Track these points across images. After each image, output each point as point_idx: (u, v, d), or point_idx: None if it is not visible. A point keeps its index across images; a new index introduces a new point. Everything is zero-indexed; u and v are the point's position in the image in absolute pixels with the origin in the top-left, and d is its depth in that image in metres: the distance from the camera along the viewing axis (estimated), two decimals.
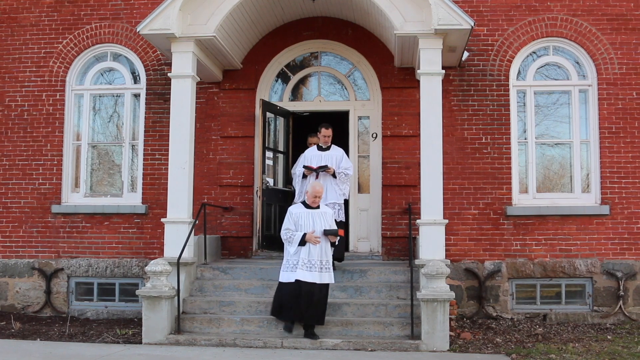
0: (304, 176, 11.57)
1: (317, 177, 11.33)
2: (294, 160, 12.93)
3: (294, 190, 12.06)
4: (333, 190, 11.36)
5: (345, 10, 12.91)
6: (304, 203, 10.43)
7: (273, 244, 12.84)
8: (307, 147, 12.21)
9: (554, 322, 12.15)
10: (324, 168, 11.34)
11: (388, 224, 12.86)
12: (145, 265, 11.23)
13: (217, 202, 13.18)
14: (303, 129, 13.94)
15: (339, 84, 13.62)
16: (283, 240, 10.28)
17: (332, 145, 11.62)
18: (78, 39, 13.64)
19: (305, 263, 10.03)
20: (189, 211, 11.54)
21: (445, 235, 11.14)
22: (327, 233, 10.17)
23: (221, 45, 11.99)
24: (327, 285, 10.20)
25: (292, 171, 12.45)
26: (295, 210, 10.33)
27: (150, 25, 11.43)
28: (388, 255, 12.81)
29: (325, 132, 11.59)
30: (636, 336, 10.98)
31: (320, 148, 11.64)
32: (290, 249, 10.16)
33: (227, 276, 11.65)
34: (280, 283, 10.29)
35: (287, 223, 10.26)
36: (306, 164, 11.52)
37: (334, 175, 11.41)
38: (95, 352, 9.62)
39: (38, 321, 12.41)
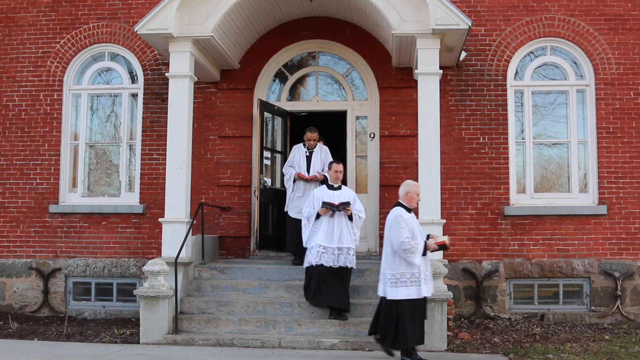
0: (317, 217, 10.83)
1: (332, 215, 10.50)
2: None
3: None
4: (348, 233, 10.56)
5: (343, 10, 12.91)
6: (403, 206, 9.09)
7: (271, 244, 12.86)
8: (304, 145, 12.48)
9: (551, 322, 12.16)
10: (346, 205, 10.56)
11: (326, 163, 12.81)
12: (143, 265, 11.22)
13: (214, 202, 13.17)
14: (301, 128, 13.94)
15: (337, 83, 13.62)
16: (403, 250, 8.69)
17: (342, 186, 10.98)
18: (75, 39, 13.63)
19: (427, 276, 8.98)
20: (186, 211, 11.53)
21: (443, 235, 11.12)
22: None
23: (219, 45, 11.99)
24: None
25: (284, 170, 12.53)
26: (406, 215, 8.95)
27: (148, 25, 11.43)
28: None
29: (337, 168, 10.85)
30: (634, 336, 11.00)
31: (330, 187, 10.79)
32: (414, 259, 8.71)
33: (225, 276, 11.65)
34: (396, 302, 8.82)
35: (404, 230, 8.77)
36: (315, 203, 10.63)
37: (350, 218, 10.61)
38: (93, 352, 9.62)
39: (35, 321, 12.40)
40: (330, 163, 11.10)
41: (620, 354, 9.56)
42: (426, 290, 8.87)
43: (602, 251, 12.43)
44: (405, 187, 9.14)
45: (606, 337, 10.93)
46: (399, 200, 9.11)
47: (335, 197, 10.60)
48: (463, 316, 12.30)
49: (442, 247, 9.10)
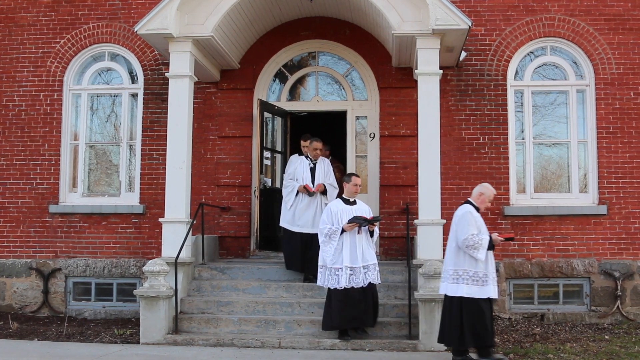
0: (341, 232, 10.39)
1: (359, 232, 9.99)
2: None
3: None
4: (369, 249, 10.10)
5: (343, 11, 12.91)
6: (473, 205, 8.92)
7: (271, 244, 12.85)
8: (306, 157, 11.95)
9: (551, 322, 12.16)
10: (378, 219, 10.33)
11: (386, 223, 12.85)
12: (143, 265, 11.23)
13: (214, 202, 13.17)
14: (301, 128, 13.95)
15: (337, 84, 13.62)
16: (467, 246, 8.54)
17: (357, 200, 10.54)
18: (75, 39, 13.63)
19: (493, 277, 8.74)
20: (186, 211, 11.53)
21: (443, 235, 11.12)
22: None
23: (219, 45, 11.99)
24: None
25: (285, 182, 11.84)
26: (475, 212, 8.80)
27: (148, 25, 11.43)
28: (386, 255, 12.80)
29: (357, 181, 10.40)
30: (633, 336, 11.00)
31: (346, 201, 10.26)
32: (479, 255, 8.54)
33: (225, 276, 11.65)
34: (459, 299, 8.64)
35: (472, 226, 8.62)
36: (334, 219, 10.02)
37: (370, 232, 10.23)
38: (92, 352, 9.63)
39: (35, 321, 12.40)
40: (349, 176, 10.44)
41: (620, 354, 9.56)
42: (492, 291, 8.67)
43: (602, 251, 12.43)
44: (482, 189, 9.00)
45: (606, 337, 10.93)
46: (469, 199, 9.02)
47: (354, 212, 10.08)
48: None
49: (509, 239, 9.04)
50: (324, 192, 11.61)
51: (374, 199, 13.09)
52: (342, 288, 9.78)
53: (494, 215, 12.61)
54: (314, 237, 10.91)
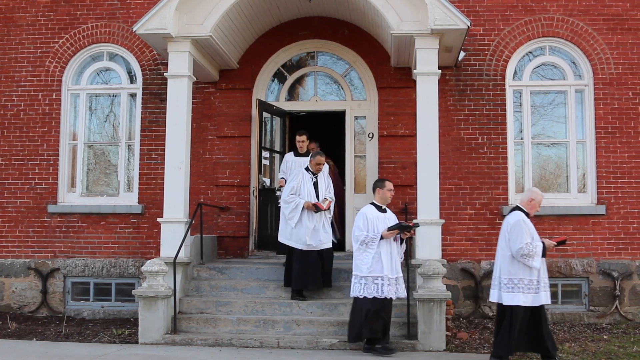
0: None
1: (396, 240, 9.72)
2: None
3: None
4: (399, 260, 9.78)
5: (342, 10, 12.91)
6: (523, 211, 8.86)
7: (269, 244, 12.83)
8: (307, 170, 11.32)
9: (550, 322, 12.11)
10: (417, 225, 10.13)
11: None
12: (142, 265, 11.22)
13: (213, 202, 13.17)
14: (299, 128, 13.94)
15: (336, 83, 13.62)
16: (522, 255, 8.49)
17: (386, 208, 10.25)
18: (74, 39, 13.62)
19: (545, 283, 8.67)
20: (185, 211, 11.53)
21: (442, 235, 11.11)
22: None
23: (217, 45, 11.99)
24: None
25: (287, 198, 11.12)
26: (527, 220, 8.73)
27: (147, 25, 11.43)
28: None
29: (391, 186, 9.97)
30: (632, 336, 11.00)
31: (379, 208, 9.80)
32: (534, 263, 8.50)
33: (224, 276, 11.65)
34: (511, 308, 8.57)
35: (526, 235, 8.57)
36: (371, 226, 9.58)
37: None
38: (91, 352, 9.63)
39: (34, 321, 12.40)
40: (382, 181, 10.04)
41: (619, 354, 9.57)
42: (545, 297, 8.59)
43: (601, 251, 12.43)
44: (532, 194, 8.92)
45: (605, 337, 10.93)
46: (519, 205, 8.96)
47: (387, 220, 9.73)
48: (462, 316, 12.30)
49: (561, 242, 8.89)
50: (319, 209, 11.05)
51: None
52: (382, 298, 9.39)
53: (493, 215, 12.62)
54: (329, 251, 11.14)
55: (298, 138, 12.21)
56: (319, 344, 9.88)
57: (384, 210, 9.84)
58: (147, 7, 13.02)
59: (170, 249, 11.10)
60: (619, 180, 12.55)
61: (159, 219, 11.62)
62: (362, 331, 9.44)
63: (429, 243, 10.81)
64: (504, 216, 12.35)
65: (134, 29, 11.60)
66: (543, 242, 8.61)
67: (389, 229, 9.55)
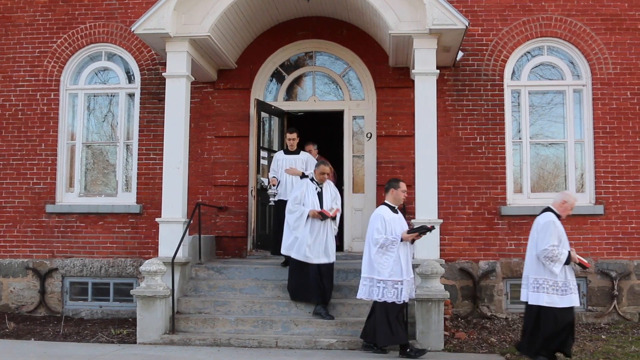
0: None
1: (413, 242, 9.75)
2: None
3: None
4: (411, 261, 9.71)
5: (340, 10, 12.91)
6: (555, 213, 8.89)
7: (268, 243, 12.83)
8: (312, 180, 11.03)
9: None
10: (434, 228, 9.95)
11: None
12: (140, 265, 11.21)
13: (211, 202, 13.17)
14: (298, 128, 13.94)
15: (334, 83, 13.62)
16: (545, 257, 8.54)
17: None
18: (72, 39, 13.62)
19: (574, 286, 8.69)
20: (183, 211, 11.53)
21: (440, 235, 11.14)
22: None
23: (216, 45, 11.99)
24: None
25: (291, 207, 10.79)
26: (557, 222, 8.77)
27: (145, 25, 11.42)
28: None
29: (404, 187, 9.87)
30: (630, 336, 11.01)
31: (392, 209, 9.67)
32: (555, 268, 8.52)
33: (222, 276, 11.65)
34: (538, 308, 8.61)
35: (553, 237, 8.59)
36: (389, 227, 9.42)
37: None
38: (89, 351, 9.62)
39: (32, 321, 12.39)
40: (397, 182, 9.79)
41: (617, 354, 9.57)
42: (574, 299, 8.58)
43: (599, 251, 12.44)
44: (565, 197, 8.92)
45: (603, 336, 10.94)
46: (550, 206, 8.93)
47: (400, 222, 9.62)
48: (460, 316, 12.30)
49: (582, 266, 8.87)
50: (326, 217, 10.71)
51: (370, 198, 13.10)
52: (401, 302, 9.30)
53: (491, 215, 12.63)
54: (329, 267, 10.71)
55: (288, 136, 12.14)
56: (318, 344, 9.87)
57: (396, 211, 9.70)
58: (145, 7, 13.02)
59: (169, 248, 11.09)
60: (617, 180, 12.55)
61: (157, 219, 11.62)
62: (394, 336, 9.31)
63: (427, 243, 10.77)
64: (502, 216, 12.45)
65: (132, 29, 11.60)
66: (569, 252, 8.58)
67: (410, 232, 9.49)
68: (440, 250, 11.30)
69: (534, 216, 12.38)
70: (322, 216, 10.60)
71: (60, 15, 13.67)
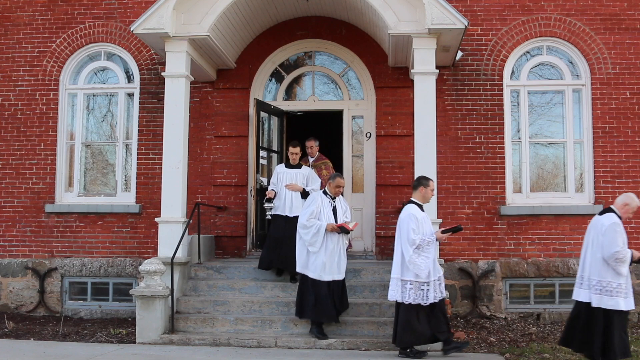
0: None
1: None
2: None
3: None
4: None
5: (339, 10, 12.91)
6: (617, 214, 8.67)
7: None
8: (324, 194, 10.58)
9: (547, 322, 12.17)
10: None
11: (382, 223, 12.86)
12: (139, 265, 11.21)
13: (211, 202, 13.17)
14: (297, 128, 13.95)
15: (333, 83, 13.62)
16: (615, 260, 8.33)
17: None
18: (72, 38, 13.61)
19: (631, 288, 8.52)
20: (182, 211, 11.53)
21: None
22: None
23: (215, 44, 11.98)
24: None
25: (307, 222, 10.24)
26: (621, 224, 8.53)
27: (144, 25, 11.42)
28: (382, 255, 12.80)
29: (433, 185, 9.85)
30: (630, 335, 10.95)
31: (421, 208, 9.60)
32: (623, 269, 8.36)
33: (221, 276, 11.65)
34: (604, 311, 8.41)
35: (620, 239, 8.39)
36: (421, 227, 9.39)
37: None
38: (89, 351, 9.62)
39: (31, 321, 12.39)
40: (428, 180, 9.71)
41: None
42: (631, 303, 8.42)
43: None
44: (627, 199, 8.72)
45: None
46: (611, 207, 8.78)
47: (427, 220, 9.58)
48: (459, 316, 12.30)
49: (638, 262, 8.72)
50: (347, 231, 10.36)
51: (370, 198, 13.10)
52: (427, 304, 9.19)
53: (490, 215, 12.63)
54: (341, 283, 10.37)
55: (291, 150, 11.74)
56: (317, 344, 9.87)
57: (423, 210, 9.62)
58: (144, 7, 13.02)
59: (168, 248, 11.10)
60: (617, 180, 12.56)
61: (156, 219, 11.63)
62: (417, 338, 9.26)
63: None
64: (501, 216, 12.44)
65: (131, 29, 11.59)
66: (632, 252, 8.47)
67: (444, 231, 9.45)
68: (440, 249, 11.28)
69: (534, 216, 12.53)
70: (342, 230, 10.22)
71: (60, 14, 13.66)
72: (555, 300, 12.45)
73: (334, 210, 10.41)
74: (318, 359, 9.15)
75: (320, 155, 12.59)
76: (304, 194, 11.48)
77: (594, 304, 8.46)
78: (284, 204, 11.54)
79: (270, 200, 11.65)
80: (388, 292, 9.44)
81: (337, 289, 10.30)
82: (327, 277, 10.14)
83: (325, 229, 10.16)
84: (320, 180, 11.84)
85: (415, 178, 10.14)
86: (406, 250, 9.21)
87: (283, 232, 11.32)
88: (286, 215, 11.45)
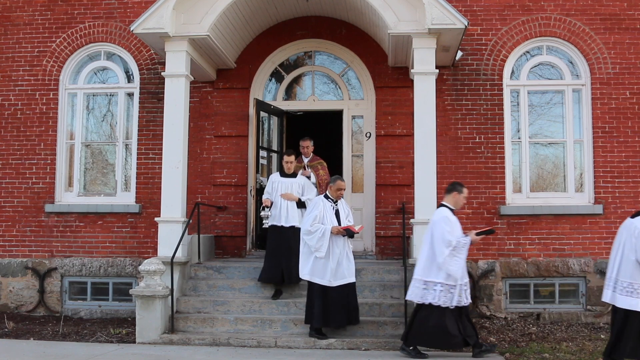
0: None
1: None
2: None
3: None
4: None
5: (339, 10, 12.91)
6: None
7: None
8: (326, 197, 10.40)
9: (547, 322, 12.17)
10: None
11: (382, 223, 12.86)
12: (139, 265, 11.20)
13: (210, 202, 13.17)
14: (297, 128, 13.95)
15: (333, 83, 13.62)
16: None
17: None
18: (71, 38, 13.61)
19: None
20: (182, 210, 11.53)
21: None
22: None
23: (215, 44, 11.98)
24: None
25: (311, 227, 10.00)
26: None
27: (144, 25, 11.42)
28: (382, 255, 12.81)
29: (467, 192, 9.86)
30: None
31: (452, 212, 9.56)
32: None
33: (221, 275, 11.65)
34: (627, 312, 8.29)
35: None
36: (456, 230, 9.39)
37: None
38: (88, 351, 9.61)
39: (31, 320, 12.39)
40: (462, 186, 9.70)
41: None
42: None
43: (598, 250, 12.43)
44: None
45: (602, 336, 10.93)
46: None
47: (459, 224, 9.50)
48: None
49: None
50: (352, 234, 10.14)
51: (370, 198, 13.10)
52: (454, 307, 9.15)
53: (490, 215, 12.63)
54: (352, 286, 10.18)
55: (286, 158, 11.52)
56: (317, 344, 9.87)
57: (454, 214, 9.54)
58: (144, 7, 13.02)
59: (168, 248, 11.10)
60: (617, 180, 12.56)
61: (156, 219, 11.63)
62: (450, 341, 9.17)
63: None
64: (501, 216, 12.45)
65: (131, 29, 11.60)
66: None
67: (478, 233, 9.43)
68: None
69: (534, 216, 12.53)
70: (347, 233, 10.02)
71: (60, 14, 13.66)
72: (555, 300, 12.45)
73: (337, 213, 10.24)
74: (318, 359, 9.15)
75: (315, 156, 12.59)
76: (300, 204, 11.33)
77: (618, 305, 8.35)
78: (279, 214, 11.28)
79: (265, 208, 11.38)
80: (408, 291, 9.44)
81: (350, 292, 10.12)
82: (337, 282, 9.95)
83: (331, 232, 9.95)
84: (316, 189, 11.77)
85: (450, 183, 10.02)
86: (440, 252, 9.12)
87: (278, 243, 11.15)
88: (281, 226, 11.23)
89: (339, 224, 10.14)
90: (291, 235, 11.00)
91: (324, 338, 9.98)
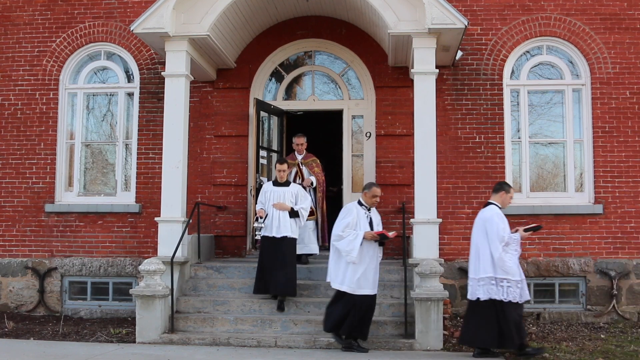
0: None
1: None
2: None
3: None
4: None
5: (339, 10, 12.91)
6: None
7: None
8: (359, 204, 9.90)
9: (547, 321, 12.17)
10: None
11: (382, 223, 12.83)
12: (139, 265, 11.20)
13: (210, 202, 13.17)
14: (297, 127, 13.94)
15: (333, 83, 13.61)
16: None
17: None
18: (72, 38, 13.61)
19: None
20: (182, 210, 11.53)
21: (439, 234, 11.13)
22: None
23: (215, 44, 11.98)
24: None
25: (342, 232, 9.56)
26: None
27: (144, 24, 11.42)
28: (382, 255, 12.77)
29: (513, 192, 9.79)
30: (629, 335, 11.01)
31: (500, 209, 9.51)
32: None
33: (221, 275, 11.65)
34: None
35: None
36: (507, 227, 9.35)
37: None
38: (88, 351, 9.62)
39: (31, 320, 12.39)
40: (509, 186, 9.66)
41: (616, 353, 9.57)
42: None
43: (598, 250, 12.44)
44: None
45: (602, 336, 10.94)
46: None
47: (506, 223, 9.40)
48: (459, 315, 12.28)
49: None
50: (385, 240, 9.82)
51: None
52: (516, 302, 9.08)
53: None
54: (373, 298, 9.79)
55: (279, 167, 11.29)
56: (317, 343, 9.87)
57: None
58: (144, 6, 13.01)
59: (168, 248, 11.10)
60: (616, 180, 12.55)
61: (156, 218, 11.63)
62: (515, 337, 9.08)
63: (426, 242, 10.83)
64: None
65: (131, 28, 11.60)
66: None
67: (527, 229, 9.44)
68: (440, 249, 11.29)
69: (534, 216, 12.54)
70: (381, 238, 9.68)
71: (60, 14, 13.66)
72: (555, 299, 12.45)
73: (371, 223, 9.78)
74: (318, 359, 9.15)
75: (308, 153, 12.57)
76: (293, 214, 11.12)
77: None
78: (271, 224, 11.05)
79: (259, 219, 11.11)
80: (468, 291, 9.44)
81: (371, 304, 9.76)
82: (360, 291, 9.52)
83: (364, 237, 9.51)
84: (310, 198, 11.68)
85: (497, 182, 10.03)
86: (495, 248, 9.14)
87: (269, 254, 10.97)
88: (273, 237, 11.01)
89: (371, 228, 9.74)
90: (284, 245, 10.91)
91: (363, 351, 9.57)
